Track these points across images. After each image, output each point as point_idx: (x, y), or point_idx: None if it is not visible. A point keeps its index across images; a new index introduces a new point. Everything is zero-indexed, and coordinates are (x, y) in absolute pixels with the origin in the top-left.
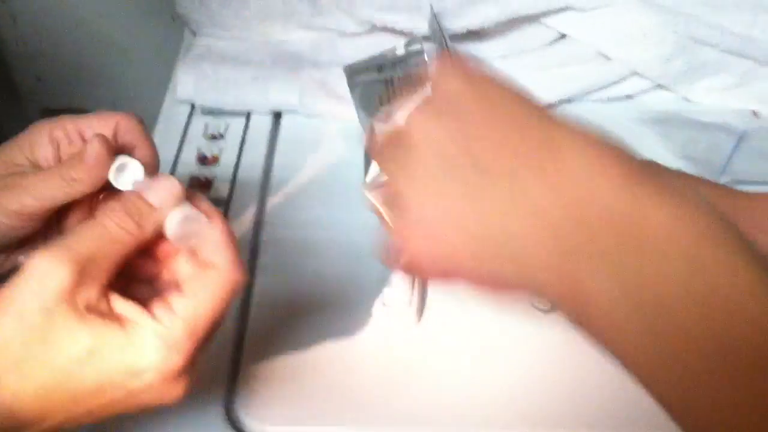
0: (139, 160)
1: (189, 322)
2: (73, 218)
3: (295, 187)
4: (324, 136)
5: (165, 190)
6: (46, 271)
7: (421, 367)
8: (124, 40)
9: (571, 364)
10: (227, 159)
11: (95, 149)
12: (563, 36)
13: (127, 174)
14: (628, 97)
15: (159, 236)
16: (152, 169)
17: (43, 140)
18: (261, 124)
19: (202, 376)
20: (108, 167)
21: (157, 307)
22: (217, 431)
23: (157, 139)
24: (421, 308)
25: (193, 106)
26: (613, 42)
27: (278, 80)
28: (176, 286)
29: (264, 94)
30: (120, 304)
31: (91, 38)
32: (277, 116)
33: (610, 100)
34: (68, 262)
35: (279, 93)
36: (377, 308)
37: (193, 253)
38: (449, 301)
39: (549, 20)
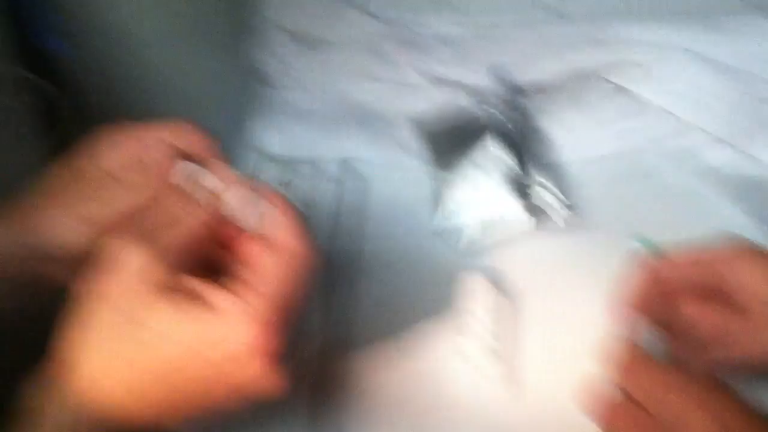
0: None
1: (265, 294)
2: None
3: (363, 234)
4: (392, 185)
5: (218, 174)
6: (123, 258)
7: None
8: (194, 88)
9: None
10: (298, 204)
11: (163, 157)
12: (626, 91)
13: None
14: (691, 151)
15: (230, 228)
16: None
17: (113, 149)
18: (331, 177)
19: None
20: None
21: (233, 285)
22: None
23: None
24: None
25: (264, 154)
26: (675, 98)
27: (348, 130)
28: (249, 267)
29: (334, 142)
30: (197, 284)
31: (161, 86)
32: (346, 164)
33: (675, 154)
34: (140, 246)
35: (349, 142)
36: (451, 359)
37: (260, 236)
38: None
39: (610, 75)
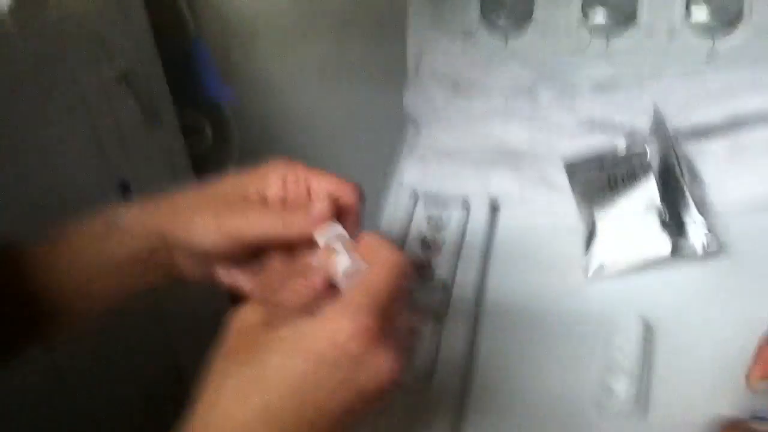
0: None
1: (364, 288)
2: (271, 257)
3: (513, 276)
4: (542, 229)
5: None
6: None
7: None
8: (348, 135)
9: None
10: (449, 246)
11: (321, 208)
12: None
13: (330, 237)
14: None
15: None
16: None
17: (276, 180)
18: (480, 215)
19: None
20: (322, 226)
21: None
22: None
23: (383, 223)
24: (646, 403)
25: (415, 196)
26: None
27: (499, 171)
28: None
29: (485, 183)
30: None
31: (313, 133)
32: (495, 210)
33: None
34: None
35: (499, 183)
36: (601, 400)
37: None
38: (674, 398)
39: None
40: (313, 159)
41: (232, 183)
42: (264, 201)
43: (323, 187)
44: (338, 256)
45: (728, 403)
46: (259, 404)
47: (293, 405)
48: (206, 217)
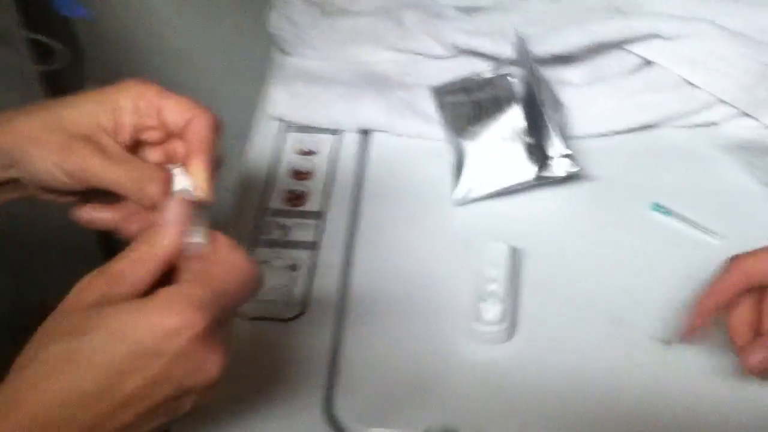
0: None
1: (207, 284)
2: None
3: (385, 202)
4: (412, 154)
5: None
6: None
7: (511, 379)
8: (210, 59)
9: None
10: (320, 173)
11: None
12: (648, 63)
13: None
14: (712, 124)
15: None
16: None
17: (128, 107)
18: (351, 141)
19: (302, 376)
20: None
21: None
22: (315, 429)
23: (251, 154)
24: (512, 325)
25: (284, 123)
26: (697, 70)
27: (367, 99)
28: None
29: (353, 112)
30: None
31: (171, 55)
32: (367, 133)
33: (694, 126)
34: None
35: (367, 112)
36: (471, 325)
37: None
38: (542, 319)
39: (634, 47)
40: (175, 84)
41: (81, 108)
42: (115, 132)
43: (174, 114)
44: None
45: (587, 324)
46: (70, 382)
47: (104, 387)
48: (46, 151)
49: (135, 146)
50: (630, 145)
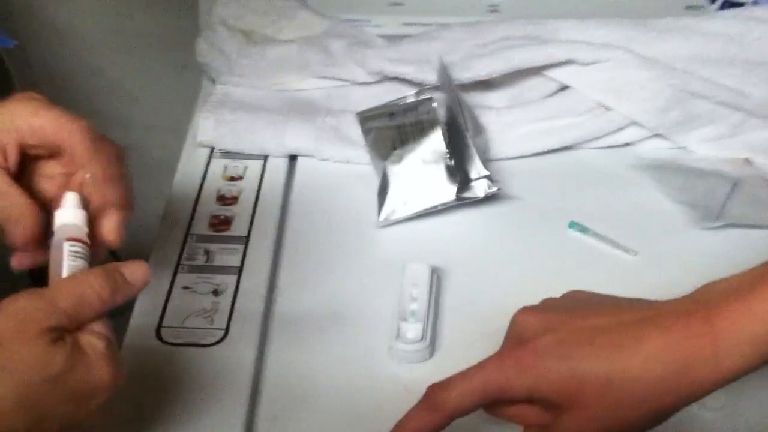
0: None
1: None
2: None
3: (310, 225)
4: (338, 178)
5: (140, 272)
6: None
7: None
8: (136, 87)
9: None
10: (246, 199)
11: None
12: (565, 87)
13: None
14: (627, 144)
15: None
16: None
17: (11, 143)
18: (278, 166)
19: (224, 399)
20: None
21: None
22: None
23: (178, 180)
24: (432, 344)
25: (212, 150)
26: (612, 94)
27: (294, 126)
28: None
29: (280, 139)
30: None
31: (104, 85)
32: (293, 158)
33: (609, 147)
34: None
35: (295, 138)
36: (393, 344)
37: None
38: (462, 338)
39: (551, 73)
40: (103, 110)
41: None
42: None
43: (47, 128)
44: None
45: None
46: None
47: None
48: None
49: (33, 160)
50: (548, 167)
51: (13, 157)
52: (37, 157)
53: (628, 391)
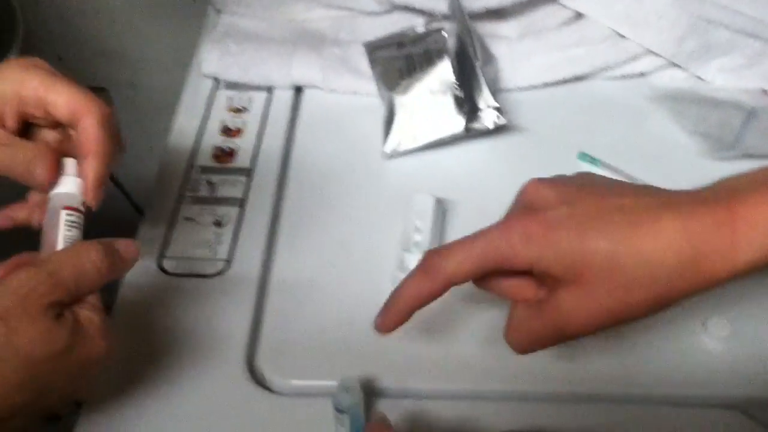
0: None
1: (75, 271)
2: None
3: (316, 158)
4: (344, 110)
5: (132, 249)
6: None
7: (433, 328)
8: (143, 22)
9: None
10: (250, 131)
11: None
12: (579, 16)
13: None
14: (642, 74)
15: None
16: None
17: (8, 94)
18: (283, 98)
19: (226, 329)
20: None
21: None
22: (238, 382)
23: (182, 111)
24: None
25: (217, 81)
26: (627, 22)
27: (300, 56)
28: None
29: (286, 69)
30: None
31: (110, 19)
32: (299, 90)
33: (624, 77)
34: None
35: (301, 69)
36: (395, 274)
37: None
38: None
39: (566, 1)
40: (109, 48)
41: None
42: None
43: (61, 107)
44: (60, 230)
45: None
46: None
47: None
48: None
49: (28, 127)
50: (559, 98)
51: (13, 123)
52: (35, 122)
53: (638, 273)
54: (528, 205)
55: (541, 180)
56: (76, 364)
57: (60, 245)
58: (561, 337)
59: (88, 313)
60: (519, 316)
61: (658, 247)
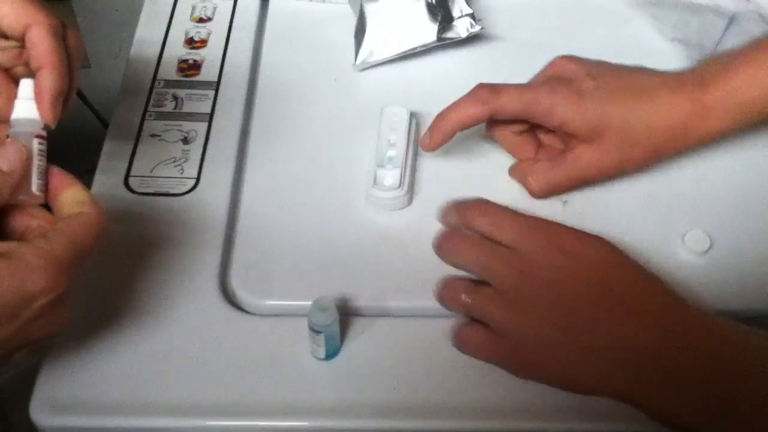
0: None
1: (70, 242)
2: None
3: (284, 69)
4: (313, 19)
5: (15, 155)
6: None
7: (409, 246)
8: None
9: None
10: (216, 42)
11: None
12: None
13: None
14: None
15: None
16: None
17: None
18: (249, 7)
19: (197, 249)
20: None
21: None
22: (211, 304)
23: (143, 22)
24: (411, 191)
25: None
26: None
27: None
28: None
29: None
30: None
31: None
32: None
33: None
34: None
35: None
36: (369, 190)
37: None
38: (439, 186)
39: None
40: None
41: None
42: None
43: (10, 19)
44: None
45: (489, 191)
46: None
47: None
48: None
49: None
50: (537, 3)
51: None
52: None
53: (643, 134)
54: (557, 76)
55: (569, 56)
56: (9, 303)
57: (35, 180)
58: (576, 182)
59: (17, 243)
60: (540, 167)
61: (655, 114)
